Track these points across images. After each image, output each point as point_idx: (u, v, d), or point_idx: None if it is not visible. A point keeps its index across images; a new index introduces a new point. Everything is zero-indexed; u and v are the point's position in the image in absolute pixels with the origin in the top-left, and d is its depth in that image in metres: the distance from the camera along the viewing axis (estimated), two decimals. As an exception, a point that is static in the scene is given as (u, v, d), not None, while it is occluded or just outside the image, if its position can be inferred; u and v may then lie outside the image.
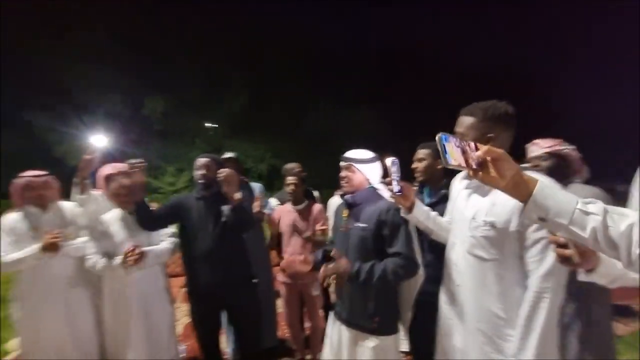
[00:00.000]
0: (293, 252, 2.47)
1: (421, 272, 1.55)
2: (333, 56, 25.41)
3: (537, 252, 1.07)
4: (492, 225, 1.14)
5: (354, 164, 1.65)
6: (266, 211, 2.76)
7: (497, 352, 1.16)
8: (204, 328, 2.20)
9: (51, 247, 1.91)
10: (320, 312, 2.61)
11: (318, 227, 2.47)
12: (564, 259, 0.86)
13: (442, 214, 1.52)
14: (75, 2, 18.18)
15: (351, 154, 1.68)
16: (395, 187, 1.34)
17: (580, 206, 0.73)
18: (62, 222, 2.09)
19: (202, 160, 2.13)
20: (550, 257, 1.03)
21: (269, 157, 21.24)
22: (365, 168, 1.64)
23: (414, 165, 1.89)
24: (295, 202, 2.55)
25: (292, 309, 2.57)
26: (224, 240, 2.06)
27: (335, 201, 2.96)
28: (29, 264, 1.95)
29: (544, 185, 0.76)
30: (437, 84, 24.33)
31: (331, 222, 2.43)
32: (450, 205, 1.46)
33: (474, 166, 0.79)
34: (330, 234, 2.47)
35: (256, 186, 2.94)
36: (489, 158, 0.78)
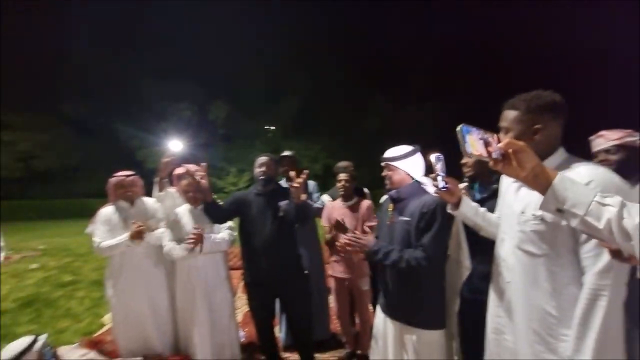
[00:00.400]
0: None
1: (467, 264, 1.52)
2: (389, 54, 24.90)
3: (592, 247, 1.00)
4: (542, 219, 1.09)
5: (390, 163, 1.66)
6: (318, 205, 2.89)
7: (550, 352, 1.11)
8: (259, 315, 2.38)
9: (137, 236, 2.25)
10: (370, 308, 2.64)
11: (367, 224, 2.51)
12: (614, 253, 0.81)
13: (493, 209, 1.48)
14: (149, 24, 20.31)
15: (388, 152, 1.69)
16: (440, 182, 1.34)
17: (597, 198, 0.74)
18: (145, 215, 2.44)
19: (262, 159, 2.32)
20: (608, 252, 0.96)
21: (324, 157, 21.58)
22: (403, 164, 1.64)
23: (463, 160, 1.84)
24: (346, 199, 2.63)
25: (341, 302, 2.64)
26: (280, 234, 2.22)
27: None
28: (120, 249, 2.32)
29: (564, 177, 0.79)
30: (497, 78, 22.60)
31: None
32: (499, 200, 1.41)
33: (495, 157, 0.84)
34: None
35: (310, 184, 3.09)
36: (510, 150, 0.82)
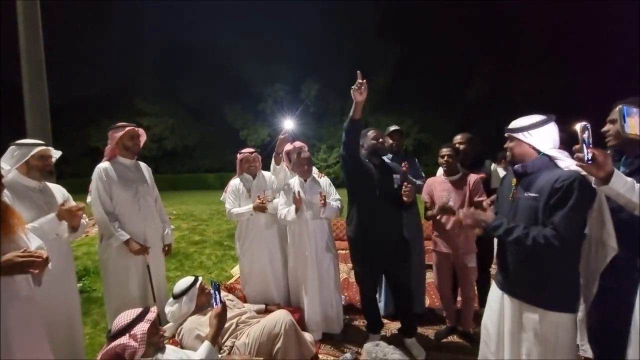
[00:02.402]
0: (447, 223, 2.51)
1: (613, 245, 1.37)
2: (493, 15, 21.61)
3: None
4: None
5: (512, 134, 1.54)
6: (420, 182, 2.89)
7: None
8: (366, 281, 2.57)
9: (259, 208, 2.65)
10: (474, 286, 2.59)
11: (476, 198, 2.42)
12: None
13: None
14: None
15: (513, 122, 1.56)
16: (586, 154, 1.19)
17: None
18: (264, 186, 2.82)
19: (374, 133, 2.42)
20: None
21: (415, 132, 20.63)
22: (526, 136, 1.50)
23: (605, 128, 1.59)
24: (449, 173, 2.56)
25: (443, 277, 2.63)
26: (392, 204, 2.34)
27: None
28: (246, 217, 2.76)
29: None
30: (617, 39, 17.73)
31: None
32: None
33: None
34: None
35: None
36: None
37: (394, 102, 21.35)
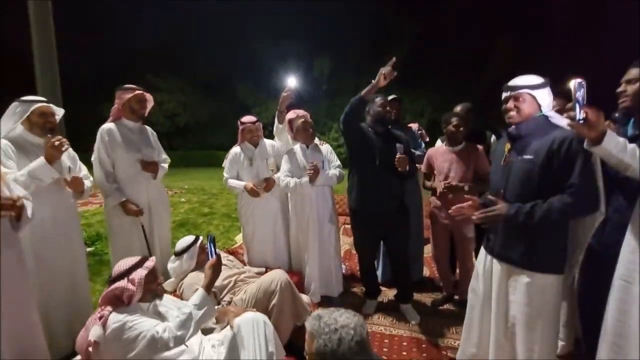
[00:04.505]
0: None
1: (602, 209, 1.34)
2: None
3: None
4: None
5: (525, 91, 1.47)
6: (419, 152, 2.87)
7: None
8: (365, 248, 2.62)
9: (253, 193, 2.68)
10: (473, 256, 2.59)
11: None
12: None
13: None
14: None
15: (519, 80, 1.50)
16: (579, 113, 1.16)
17: None
18: (266, 155, 2.82)
19: (380, 100, 2.44)
20: None
21: (430, 112, 20.16)
22: (538, 94, 1.45)
23: (620, 89, 1.52)
24: (452, 143, 2.51)
25: (440, 247, 2.63)
26: (394, 172, 2.32)
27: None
28: (238, 191, 2.83)
29: None
30: None
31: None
32: None
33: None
34: None
35: (414, 127, 3.10)
36: None
37: (409, 81, 20.73)
